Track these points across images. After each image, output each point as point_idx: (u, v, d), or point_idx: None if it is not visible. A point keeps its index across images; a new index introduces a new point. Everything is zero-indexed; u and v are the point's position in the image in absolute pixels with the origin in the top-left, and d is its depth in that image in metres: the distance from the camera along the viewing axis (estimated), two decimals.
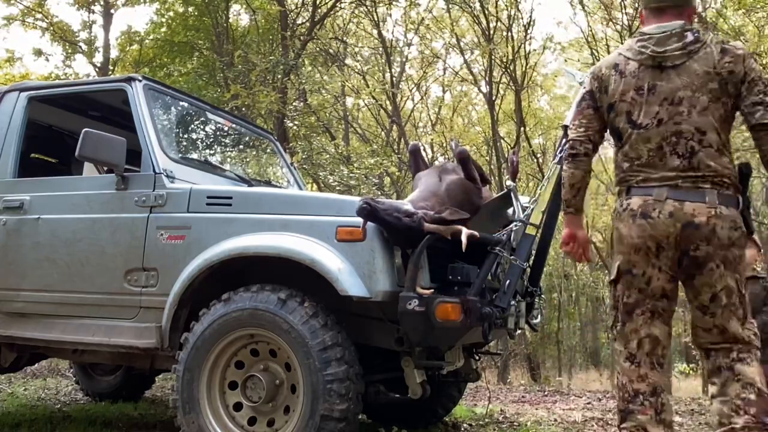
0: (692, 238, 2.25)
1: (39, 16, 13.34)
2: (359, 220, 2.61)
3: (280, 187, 4.23)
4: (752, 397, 2.23)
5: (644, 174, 2.33)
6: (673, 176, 2.29)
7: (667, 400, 2.33)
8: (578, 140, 2.47)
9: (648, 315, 2.32)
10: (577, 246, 2.56)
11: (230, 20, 12.27)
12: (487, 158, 14.38)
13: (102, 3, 13.42)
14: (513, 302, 2.86)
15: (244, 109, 9.67)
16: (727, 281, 2.29)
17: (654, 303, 2.32)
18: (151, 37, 13.06)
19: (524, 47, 11.59)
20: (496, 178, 11.92)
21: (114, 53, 13.75)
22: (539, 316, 3.35)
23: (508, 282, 2.80)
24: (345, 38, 13.55)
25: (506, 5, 11.05)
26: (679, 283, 2.36)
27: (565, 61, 12.91)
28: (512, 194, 3.03)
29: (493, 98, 12.32)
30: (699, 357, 2.56)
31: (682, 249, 2.28)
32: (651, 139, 2.32)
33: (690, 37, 2.31)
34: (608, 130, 2.46)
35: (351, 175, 10.21)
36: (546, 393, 5.94)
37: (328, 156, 11.09)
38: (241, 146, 4.63)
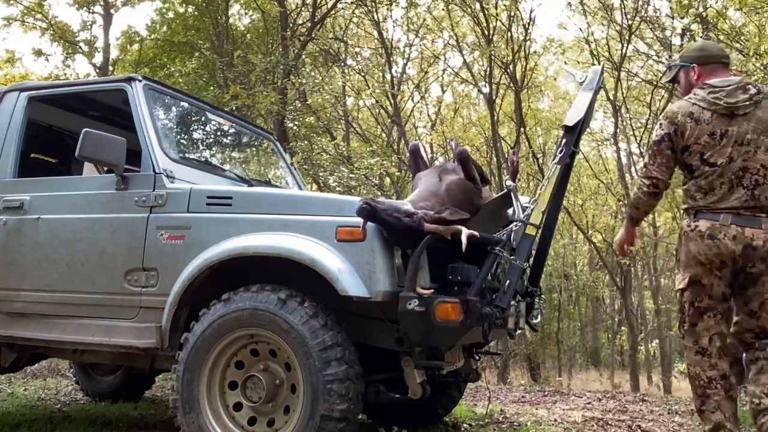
0: (750, 258, 2.78)
1: (39, 16, 13.34)
2: (359, 220, 2.61)
3: (280, 187, 4.23)
4: None
5: (713, 201, 2.83)
6: (737, 206, 2.80)
7: (733, 381, 2.85)
8: (662, 180, 2.93)
9: (718, 317, 2.84)
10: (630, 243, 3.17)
11: (230, 20, 12.27)
12: (487, 158, 14.38)
13: (102, 3, 13.43)
14: (513, 302, 2.86)
15: (244, 109, 9.67)
16: None
17: (721, 306, 2.84)
18: (151, 37, 13.06)
19: (524, 48, 11.58)
20: (496, 178, 11.92)
21: (114, 53, 13.76)
22: (539, 316, 3.35)
23: (508, 282, 2.80)
24: (345, 38, 13.55)
25: (506, 6, 11.04)
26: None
27: (565, 62, 12.91)
28: (512, 194, 3.03)
29: (494, 98, 12.32)
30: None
31: (740, 266, 2.80)
32: (723, 174, 2.81)
33: (752, 89, 2.84)
34: (680, 165, 2.93)
35: (351, 175, 10.21)
36: (546, 393, 5.94)
37: (328, 156, 11.09)
38: (241, 146, 4.63)
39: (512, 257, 2.82)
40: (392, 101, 13.09)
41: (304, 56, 11.41)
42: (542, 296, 3.34)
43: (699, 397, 2.83)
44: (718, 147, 2.80)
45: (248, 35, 12.35)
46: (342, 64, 13.71)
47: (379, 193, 11.20)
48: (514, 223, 2.94)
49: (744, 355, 2.96)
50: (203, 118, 4.13)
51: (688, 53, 3.10)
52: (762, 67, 8.75)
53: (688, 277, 2.85)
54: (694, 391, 2.86)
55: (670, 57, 10.86)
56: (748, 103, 2.81)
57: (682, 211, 3.04)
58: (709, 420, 2.80)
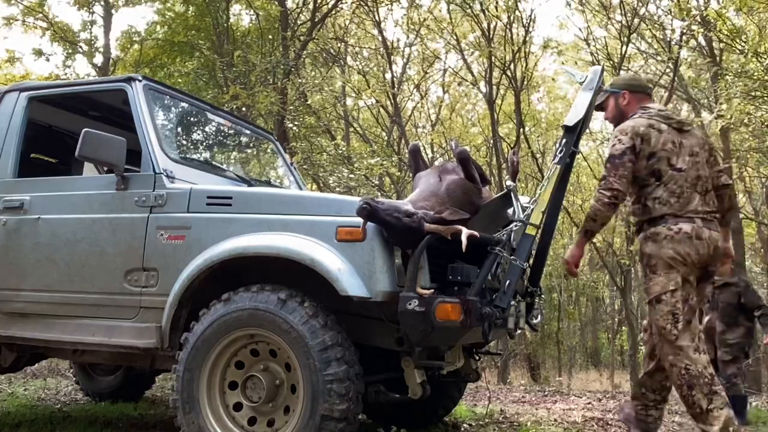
0: (715, 257, 3.07)
1: (39, 16, 13.34)
2: (359, 220, 2.61)
3: (280, 187, 4.23)
4: (667, 384, 3.19)
5: (685, 207, 3.05)
6: (700, 210, 3.06)
7: None
8: (622, 192, 3.05)
9: (699, 313, 3.05)
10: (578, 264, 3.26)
11: (231, 20, 12.26)
12: (487, 158, 14.38)
13: (102, 3, 13.42)
14: (513, 302, 2.86)
15: (244, 109, 9.66)
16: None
17: (700, 303, 3.10)
18: (151, 37, 13.05)
19: (524, 49, 11.57)
20: (496, 178, 11.92)
21: (114, 53, 13.76)
22: (539, 316, 3.34)
23: (508, 282, 2.80)
24: (345, 38, 13.54)
25: (506, 6, 11.03)
26: None
27: (563, 62, 12.91)
28: (512, 194, 3.03)
29: (494, 98, 12.32)
30: None
31: (706, 263, 3.04)
32: (687, 179, 3.08)
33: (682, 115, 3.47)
34: (646, 174, 3.10)
35: (351, 175, 10.20)
36: (546, 393, 5.94)
37: (328, 156, 11.08)
38: (241, 146, 4.63)
39: (512, 257, 2.83)
40: (392, 101, 13.08)
41: (304, 56, 11.41)
42: (542, 296, 3.34)
43: (706, 396, 2.83)
44: (679, 154, 3.10)
45: (248, 35, 12.34)
46: (342, 64, 13.70)
47: (379, 193, 11.20)
48: (514, 223, 2.94)
49: (651, 353, 3.22)
50: (203, 119, 4.13)
51: (619, 82, 3.42)
52: (763, 68, 8.75)
53: (678, 278, 2.97)
54: (700, 391, 2.84)
55: (669, 57, 10.86)
56: (688, 123, 3.29)
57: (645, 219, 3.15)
58: (718, 418, 2.79)
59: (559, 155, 3.04)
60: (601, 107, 3.39)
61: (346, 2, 11.80)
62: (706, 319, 4.29)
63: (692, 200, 3.07)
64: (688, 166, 3.09)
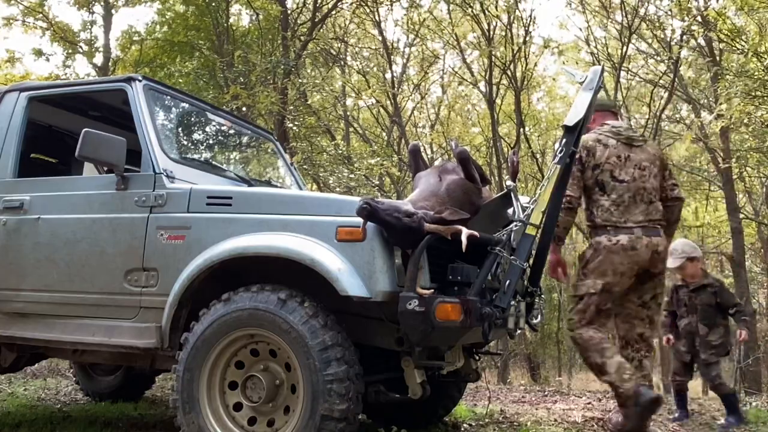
0: (655, 261, 3.49)
1: (39, 16, 13.34)
2: (359, 220, 2.61)
3: (280, 187, 4.22)
4: (646, 383, 3.46)
5: (626, 217, 3.46)
6: (642, 219, 3.48)
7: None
8: (575, 198, 3.49)
9: (612, 316, 3.59)
10: (562, 268, 3.71)
11: (231, 20, 12.26)
12: (487, 158, 14.37)
13: (102, 3, 13.43)
14: (513, 302, 2.86)
15: (244, 109, 9.66)
16: (663, 287, 3.67)
17: (612, 305, 3.53)
18: (151, 37, 13.05)
19: (524, 49, 11.57)
20: (496, 178, 11.92)
21: (114, 53, 13.76)
22: (539, 316, 3.34)
23: (508, 282, 2.80)
24: (346, 38, 13.54)
25: (506, 6, 11.03)
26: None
27: (564, 62, 12.90)
28: (512, 194, 3.03)
29: (494, 98, 12.32)
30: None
31: (647, 267, 3.48)
32: (630, 190, 3.47)
33: (637, 133, 3.77)
34: (592, 184, 3.52)
35: (351, 175, 10.20)
36: (546, 393, 5.94)
37: (328, 156, 11.08)
38: (241, 146, 4.63)
39: (512, 257, 2.83)
40: (392, 101, 13.08)
41: (304, 56, 11.40)
42: (542, 296, 3.34)
43: (598, 352, 3.38)
44: (624, 167, 3.49)
45: (248, 35, 12.34)
46: (342, 64, 13.70)
47: (379, 193, 11.19)
48: (514, 223, 2.94)
49: (622, 351, 3.61)
50: (203, 119, 4.13)
51: None
52: (763, 68, 8.75)
53: (601, 285, 3.42)
54: (594, 351, 3.41)
55: (669, 57, 10.86)
56: (639, 139, 3.66)
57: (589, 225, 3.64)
58: (612, 365, 3.35)
59: (559, 155, 3.04)
60: None
61: (346, 2, 11.80)
62: (684, 322, 4.33)
63: (633, 210, 3.47)
64: (632, 179, 3.47)
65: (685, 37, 10.49)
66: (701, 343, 4.26)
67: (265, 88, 9.97)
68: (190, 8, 12.23)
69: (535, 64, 12.89)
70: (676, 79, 11.07)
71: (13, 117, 3.59)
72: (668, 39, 11.23)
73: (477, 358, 3.62)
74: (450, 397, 3.88)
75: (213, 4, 11.68)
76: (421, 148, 3.86)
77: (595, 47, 11.91)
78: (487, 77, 12.32)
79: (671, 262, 4.20)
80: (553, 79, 15.58)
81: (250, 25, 12.58)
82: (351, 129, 14.28)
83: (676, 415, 4.39)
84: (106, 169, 3.46)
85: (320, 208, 2.85)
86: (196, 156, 4.03)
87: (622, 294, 3.54)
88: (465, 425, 4.03)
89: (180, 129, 3.94)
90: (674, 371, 4.47)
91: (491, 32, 11.60)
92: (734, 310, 4.31)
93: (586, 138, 3.52)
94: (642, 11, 10.63)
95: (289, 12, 11.37)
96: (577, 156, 3.30)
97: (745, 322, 4.40)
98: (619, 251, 3.40)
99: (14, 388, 5.46)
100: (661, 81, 11.82)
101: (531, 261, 3.18)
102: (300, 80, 10.86)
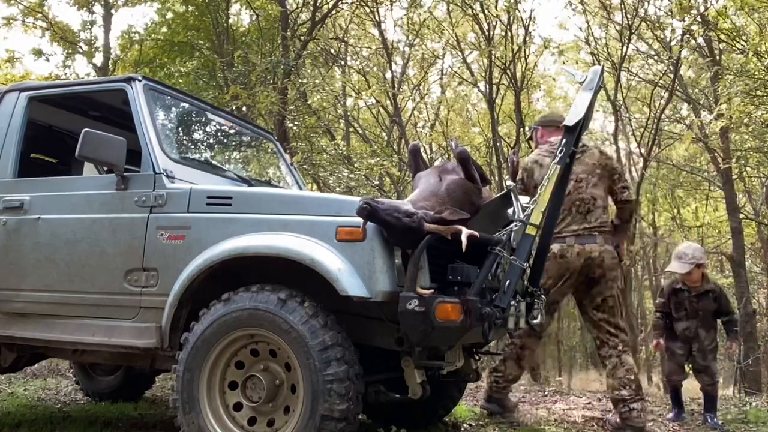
0: (590, 266, 3.81)
1: (39, 16, 13.34)
2: (359, 220, 2.60)
3: (280, 187, 4.22)
4: (632, 377, 3.77)
5: (560, 228, 3.74)
6: (576, 228, 3.82)
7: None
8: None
9: (671, 318, 4.14)
10: None
11: (230, 20, 12.26)
12: (487, 158, 14.37)
13: (102, 3, 13.43)
14: (513, 302, 2.86)
15: (244, 109, 9.66)
16: (612, 291, 3.88)
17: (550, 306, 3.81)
18: (151, 37, 13.05)
19: (524, 49, 11.57)
20: (496, 178, 11.92)
21: (114, 53, 13.75)
22: (539, 316, 3.34)
23: (508, 282, 2.80)
24: (346, 38, 13.54)
25: (506, 6, 11.03)
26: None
27: (564, 62, 12.90)
28: (512, 194, 3.03)
29: (493, 98, 12.32)
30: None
31: (585, 273, 3.82)
32: (565, 203, 3.63)
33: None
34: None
35: (351, 175, 10.20)
36: (546, 393, 5.93)
37: (328, 156, 11.08)
38: (241, 146, 4.63)
39: (512, 257, 2.82)
40: (392, 101, 13.08)
41: (304, 56, 11.40)
42: (542, 296, 3.34)
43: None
44: None
45: (248, 35, 12.34)
46: (342, 64, 13.70)
47: (379, 193, 11.19)
48: (514, 223, 2.94)
49: (599, 350, 3.93)
50: (203, 119, 4.13)
51: (538, 119, 4.19)
52: (763, 68, 8.75)
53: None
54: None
55: (670, 57, 10.86)
56: (577, 151, 3.59)
57: None
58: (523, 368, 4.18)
59: (559, 155, 3.04)
60: (531, 138, 4.24)
61: (346, 2, 11.80)
62: (682, 325, 4.31)
63: (569, 221, 3.79)
64: (567, 192, 3.54)
65: (685, 37, 10.49)
66: (700, 349, 4.26)
67: (265, 88, 9.97)
68: (190, 8, 12.23)
69: (535, 64, 12.89)
70: (676, 80, 11.06)
71: (13, 117, 3.59)
72: (668, 39, 11.23)
73: (477, 358, 3.62)
74: (450, 397, 3.88)
75: (213, 4, 11.68)
76: (421, 148, 3.86)
77: (595, 47, 11.90)
78: (487, 77, 12.32)
79: (679, 267, 4.21)
80: (553, 79, 15.59)
81: (250, 25, 12.59)
82: (351, 129, 14.27)
83: (674, 413, 4.38)
84: (106, 169, 3.46)
85: (320, 208, 2.85)
86: (196, 156, 4.03)
87: (580, 303, 3.99)
88: (465, 425, 4.03)
89: (180, 129, 3.94)
90: (670, 372, 4.45)
91: (491, 32, 11.59)
92: (727, 318, 4.30)
93: (528, 159, 3.95)
94: (642, 11, 10.63)
95: (289, 12, 11.37)
96: (518, 177, 3.73)
97: (735, 333, 4.39)
98: (551, 259, 3.66)
99: (14, 388, 5.46)
100: (661, 81, 11.82)
101: (531, 261, 3.18)
102: (300, 80, 10.85)
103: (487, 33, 11.56)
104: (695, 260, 4.21)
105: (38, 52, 13.61)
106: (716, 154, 11.20)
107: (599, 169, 3.91)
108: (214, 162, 4.01)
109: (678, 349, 4.35)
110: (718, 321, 4.35)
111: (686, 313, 4.31)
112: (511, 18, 11.26)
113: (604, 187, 3.92)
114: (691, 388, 4.92)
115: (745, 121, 9.39)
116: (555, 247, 3.73)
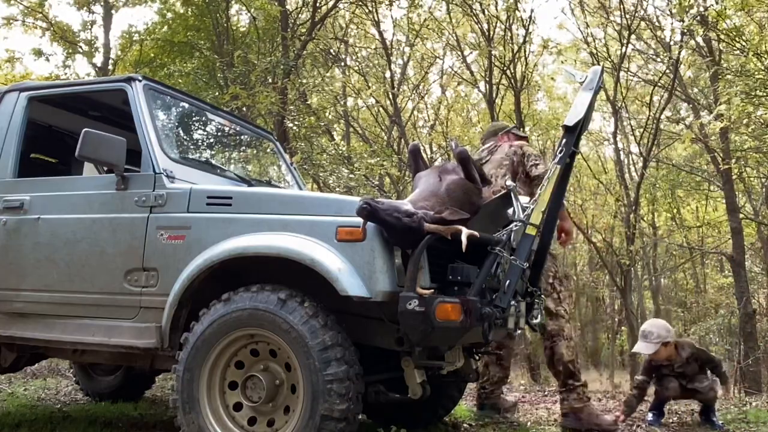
0: None
1: (39, 16, 13.34)
2: (359, 220, 2.61)
3: (280, 187, 4.23)
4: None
5: None
6: None
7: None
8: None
9: None
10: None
11: (231, 20, 12.26)
12: None
13: (102, 3, 13.43)
14: (513, 302, 2.86)
15: (244, 109, 9.66)
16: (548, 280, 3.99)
17: None
18: (151, 37, 13.05)
19: (524, 49, 11.57)
20: None
21: (114, 53, 13.76)
22: (539, 316, 3.34)
23: (508, 282, 2.80)
24: (345, 38, 13.53)
25: (506, 6, 11.02)
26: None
27: (562, 62, 12.91)
28: (512, 194, 3.03)
29: (493, 98, 12.31)
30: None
31: None
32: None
33: (491, 146, 4.27)
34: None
35: (351, 175, 10.20)
36: (546, 393, 5.93)
37: (328, 156, 11.07)
38: (241, 146, 4.63)
39: (512, 257, 2.82)
40: (392, 101, 13.08)
41: (304, 56, 11.40)
42: (542, 296, 3.34)
43: None
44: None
45: (248, 36, 12.34)
46: (342, 64, 13.69)
47: (379, 193, 11.19)
48: (514, 223, 2.94)
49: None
50: (203, 118, 4.13)
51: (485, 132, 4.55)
52: (763, 68, 8.75)
53: None
54: None
55: (669, 57, 10.86)
56: (486, 154, 4.19)
57: None
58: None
59: (559, 155, 3.04)
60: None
61: (345, 2, 11.80)
62: (672, 386, 4.20)
63: None
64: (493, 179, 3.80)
65: (685, 37, 10.49)
66: (694, 394, 4.19)
67: (265, 88, 9.97)
68: (190, 8, 12.23)
69: (535, 65, 12.89)
70: (676, 80, 11.06)
71: (13, 117, 3.59)
72: (668, 39, 11.23)
73: (477, 358, 3.62)
74: (450, 397, 3.88)
75: (213, 4, 11.68)
76: (421, 148, 3.86)
77: (595, 48, 11.90)
78: (486, 77, 12.32)
79: (645, 348, 4.02)
80: (552, 79, 15.58)
81: (250, 25, 12.58)
82: (351, 129, 14.27)
83: (651, 417, 4.23)
84: (106, 169, 3.46)
85: (320, 208, 2.85)
86: (196, 156, 4.03)
87: None
88: (465, 425, 4.03)
89: (180, 129, 3.94)
90: (660, 400, 4.31)
91: (491, 32, 11.59)
92: (712, 365, 4.26)
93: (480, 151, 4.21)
94: (641, 12, 10.63)
95: (288, 12, 11.37)
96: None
97: (723, 376, 4.30)
98: None
99: (14, 388, 5.46)
100: (660, 81, 11.82)
101: (531, 261, 3.18)
102: (300, 80, 10.85)
103: (487, 33, 11.56)
104: (660, 339, 4.02)
105: (38, 52, 13.61)
106: (716, 154, 11.20)
107: (506, 160, 4.04)
108: (214, 162, 4.02)
109: (667, 391, 4.17)
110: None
111: (674, 376, 4.18)
112: (511, 18, 11.25)
113: (518, 174, 4.00)
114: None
115: (745, 121, 9.39)
116: None
